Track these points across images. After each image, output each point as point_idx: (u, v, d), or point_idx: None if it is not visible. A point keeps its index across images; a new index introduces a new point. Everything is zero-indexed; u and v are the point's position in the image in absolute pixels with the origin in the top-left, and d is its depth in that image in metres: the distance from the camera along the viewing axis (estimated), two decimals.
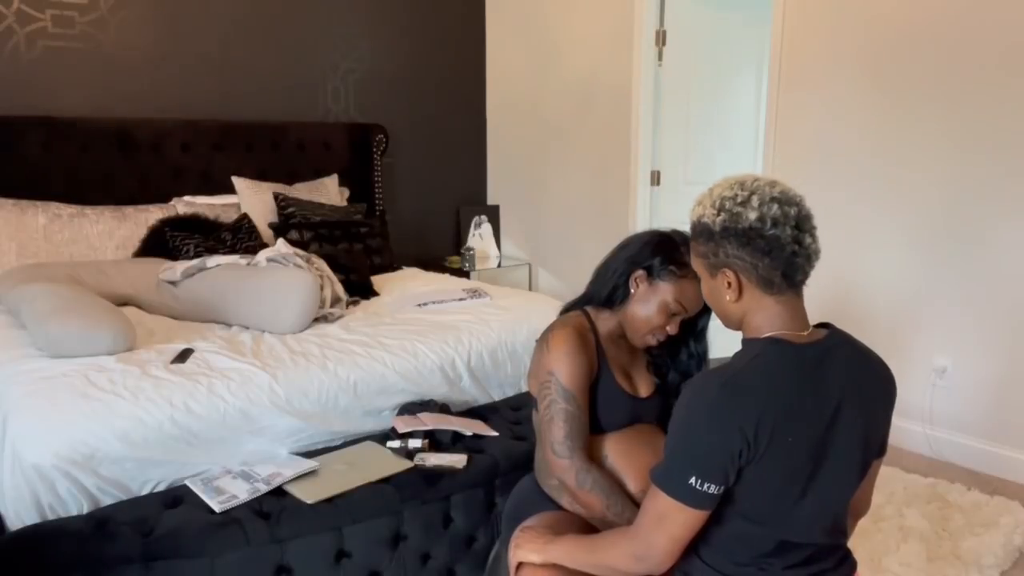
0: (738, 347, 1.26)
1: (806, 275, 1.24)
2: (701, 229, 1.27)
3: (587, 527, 1.55)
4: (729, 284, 1.25)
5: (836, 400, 1.21)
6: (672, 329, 1.58)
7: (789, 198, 1.22)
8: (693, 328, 1.66)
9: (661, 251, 1.56)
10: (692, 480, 1.16)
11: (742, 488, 1.19)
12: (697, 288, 1.42)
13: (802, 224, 1.21)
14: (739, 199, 1.22)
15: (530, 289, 4.82)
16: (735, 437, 1.14)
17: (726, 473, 1.16)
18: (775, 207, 1.20)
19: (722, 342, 1.75)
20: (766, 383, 1.17)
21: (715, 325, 1.53)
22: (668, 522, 1.19)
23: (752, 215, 1.20)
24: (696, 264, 1.33)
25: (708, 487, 1.16)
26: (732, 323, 1.31)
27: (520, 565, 1.47)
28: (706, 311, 1.62)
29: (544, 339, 1.60)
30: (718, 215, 1.23)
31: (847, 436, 1.22)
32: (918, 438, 3.23)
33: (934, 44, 3.01)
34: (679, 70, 4.09)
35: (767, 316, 1.24)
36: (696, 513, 1.18)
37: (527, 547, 1.46)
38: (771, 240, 1.19)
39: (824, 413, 1.20)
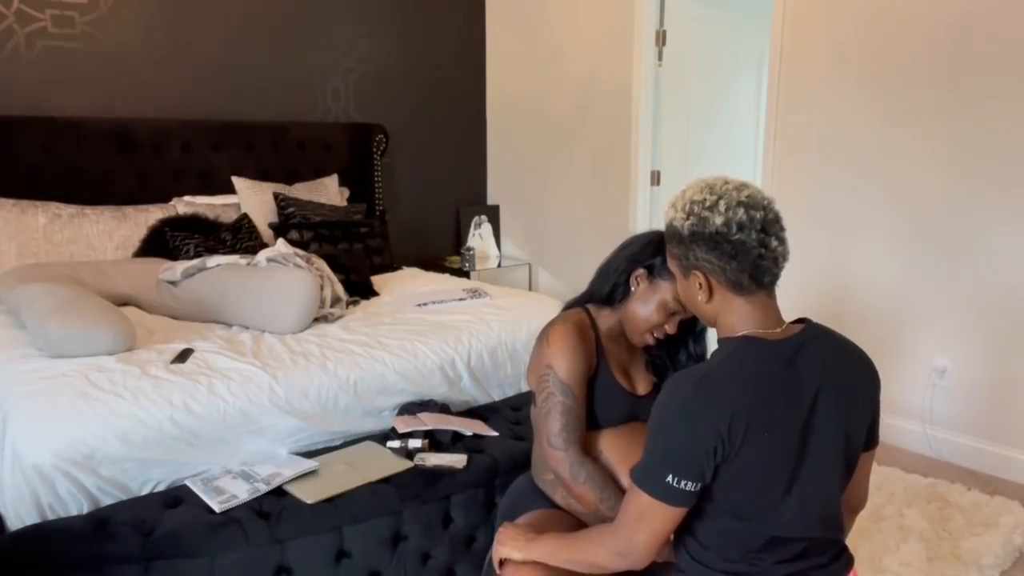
0: None
1: (775, 277, 1.27)
2: (672, 232, 1.31)
3: (571, 526, 1.55)
4: (700, 285, 1.28)
5: (812, 393, 1.22)
6: (671, 328, 1.59)
7: (756, 202, 1.24)
8: (692, 329, 1.66)
9: (662, 250, 1.56)
10: (669, 478, 1.18)
11: (724, 485, 1.21)
12: None
13: (768, 228, 1.24)
14: (707, 203, 1.25)
15: (530, 289, 4.82)
16: (708, 435, 1.16)
17: (702, 470, 1.18)
18: (741, 212, 1.22)
19: None
20: (738, 381, 1.19)
21: None
22: (648, 519, 1.21)
23: (718, 220, 1.23)
24: (671, 265, 1.37)
25: (685, 484, 1.18)
26: (708, 322, 1.35)
27: (503, 562, 1.48)
28: None
29: (544, 334, 1.61)
30: (687, 219, 1.26)
31: (827, 429, 1.23)
32: (918, 438, 3.23)
33: (934, 44, 3.01)
34: (679, 70, 4.09)
35: (739, 316, 1.26)
36: (675, 510, 1.20)
37: (509, 544, 1.47)
38: (737, 244, 1.22)
39: (800, 407, 1.21)
